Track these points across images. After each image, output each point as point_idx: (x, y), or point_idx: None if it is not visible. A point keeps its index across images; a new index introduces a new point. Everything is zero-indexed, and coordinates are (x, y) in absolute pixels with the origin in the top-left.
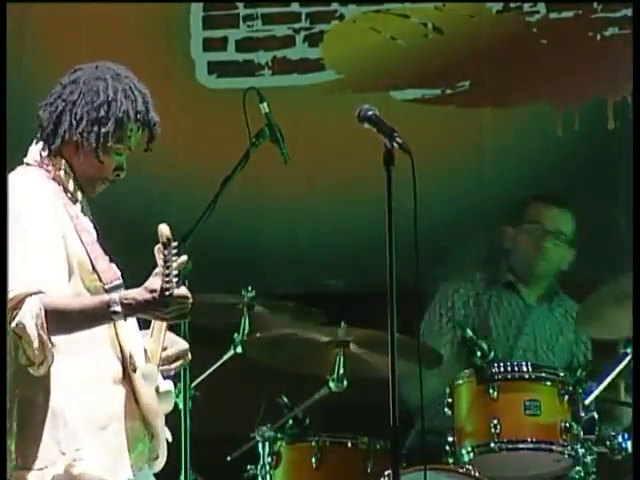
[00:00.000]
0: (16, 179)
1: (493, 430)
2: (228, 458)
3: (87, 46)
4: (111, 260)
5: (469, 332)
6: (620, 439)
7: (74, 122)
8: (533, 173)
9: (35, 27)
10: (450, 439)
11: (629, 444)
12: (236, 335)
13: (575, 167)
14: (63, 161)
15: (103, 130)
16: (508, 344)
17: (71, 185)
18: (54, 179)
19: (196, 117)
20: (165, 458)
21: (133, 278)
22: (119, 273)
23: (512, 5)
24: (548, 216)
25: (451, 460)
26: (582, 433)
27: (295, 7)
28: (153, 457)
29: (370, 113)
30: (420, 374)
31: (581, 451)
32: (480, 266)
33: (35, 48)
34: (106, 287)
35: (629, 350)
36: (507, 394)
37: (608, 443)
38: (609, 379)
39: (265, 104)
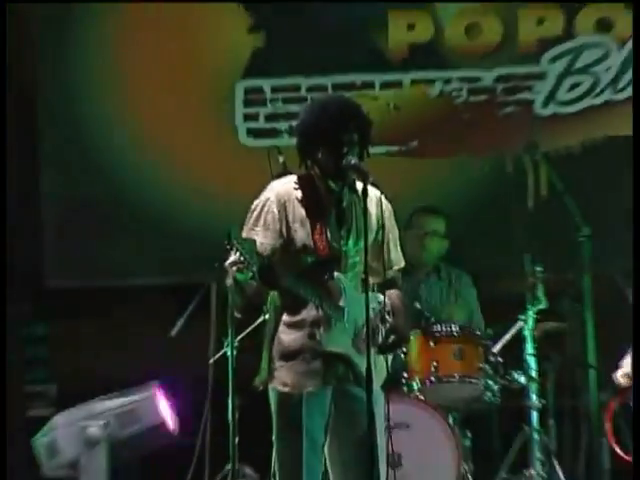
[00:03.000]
0: (273, 184)
1: (433, 369)
2: None
3: (143, 119)
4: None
5: (417, 306)
6: (515, 375)
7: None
8: (459, 203)
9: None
10: (405, 375)
11: (522, 378)
12: (264, 307)
13: (487, 197)
14: (317, 169)
15: (305, 138)
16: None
17: (321, 185)
18: (312, 181)
19: (237, 165)
20: (376, 377)
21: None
22: (335, 254)
23: (445, 90)
24: (425, 222)
25: (405, 389)
26: (491, 371)
27: (303, 92)
28: (352, 379)
29: (353, 162)
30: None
31: (490, 383)
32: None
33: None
34: (318, 261)
35: (521, 316)
36: (442, 345)
37: (508, 377)
38: (508, 336)
39: (282, 156)
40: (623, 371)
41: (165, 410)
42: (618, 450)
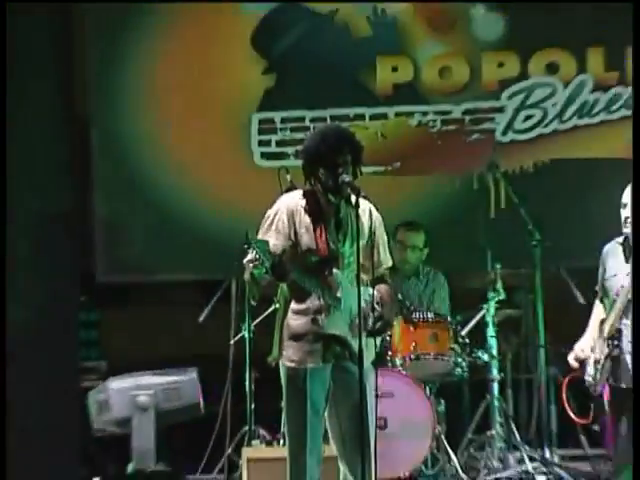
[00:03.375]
0: (282, 198)
1: (412, 349)
2: None
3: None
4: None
5: (400, 297)
6: (480, 354)
7: (305, 161)
8: (434, 212)
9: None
10: (390, 353)
11: (485, 356)
12: (274, 298)
13: (457, 207)
14: (319, 185)
15: (310, 159)
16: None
17: (322, 198)
18: (315, 195)
19: (253, 182)
20: (367, 355)
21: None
22: (333, 254)
23: (422, 121)
24: (406, 237)
25: (390, 365)
26: (460, 350)
27: (307, 122)
28: (347, 357)
29: (347, 179)
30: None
31: (459, 360)
32: None
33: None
34: (320, 260)
35: (484, 305)
36: (420, 329)
37: (473, 355)
38: (474, 322)
39: (289, 175)
40: (574, 353)
41: (200, 392)
42: (572, 415)
